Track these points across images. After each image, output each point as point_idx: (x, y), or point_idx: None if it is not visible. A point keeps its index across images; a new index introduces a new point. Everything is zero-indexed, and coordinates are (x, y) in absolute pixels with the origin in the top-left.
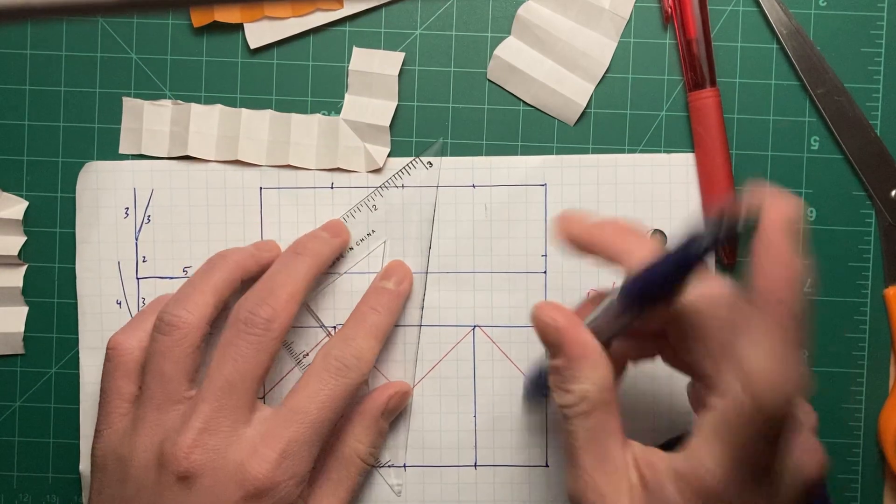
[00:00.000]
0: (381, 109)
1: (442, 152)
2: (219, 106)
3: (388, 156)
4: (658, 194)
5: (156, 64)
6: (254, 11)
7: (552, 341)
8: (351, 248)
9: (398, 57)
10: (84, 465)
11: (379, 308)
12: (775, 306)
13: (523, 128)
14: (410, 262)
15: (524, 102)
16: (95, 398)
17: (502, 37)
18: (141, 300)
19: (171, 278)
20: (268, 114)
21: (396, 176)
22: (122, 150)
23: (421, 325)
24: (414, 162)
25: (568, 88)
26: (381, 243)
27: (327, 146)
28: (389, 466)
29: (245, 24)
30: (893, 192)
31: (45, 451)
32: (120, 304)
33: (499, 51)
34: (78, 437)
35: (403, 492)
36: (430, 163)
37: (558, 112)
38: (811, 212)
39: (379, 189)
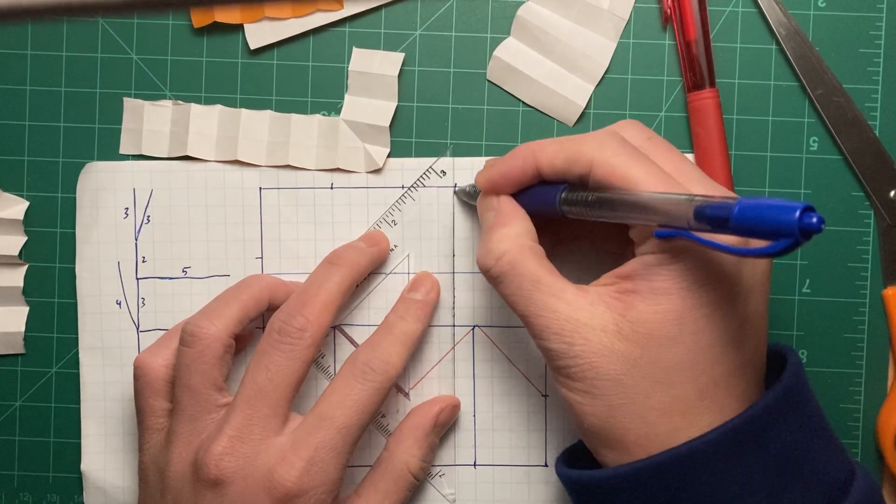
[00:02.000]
0: (381, 110)
1: (452, 156)
2: (219, 106)
3: (389, 156)
4: None
5: (156, 64)
6: (254, 12)
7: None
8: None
9: (398, 57)
10: (84, 465)
11: (407, 317)
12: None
13: (523, 128)
14: (436, 270)
15: (524, 103)
16: (95, 398)
17: (502, 37)
18: (140, 300)
19: (171, 279)
20: (268, 114)
21: (412, 188)
22: (122, 151)
23: (454, 326)
24: (427, 172)
25: (567, 89)
26: (404, 257)
27: (327, 146)
28: (441, 476)
29: (245, 25)
30: (892, 193)
31: (45, 450)
32: (120, 304)
33: (498, 51)
34: (78, 437)
35: None
36: (443, 171)
37: (558, 112)
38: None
39: (396, 204)
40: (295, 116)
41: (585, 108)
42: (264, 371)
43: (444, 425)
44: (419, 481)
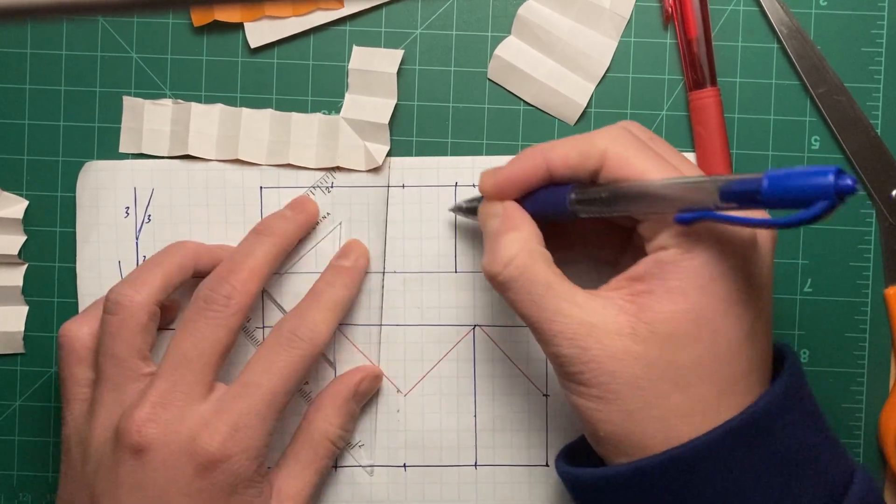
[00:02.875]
0: (381, 107)
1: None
2: (219, 105)
3: (388, 155)
4: None
5: (156, 63)
6: (254, 11)
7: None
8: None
9: (397, 54)
10: None
11: (336, 284)
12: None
13: (523, 128)
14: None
15: (524, 102)
16: None
17: (502, 36)
18: None
19: None
20: (268, 113)
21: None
22: (122, 150)
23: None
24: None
25: (568, 88)
26: (336, 225)
27: (327, 145)
28: (360, 447)
29: (245, 24)
30: (894, 192)
31: (45, 450)
32: None
33: (499, 50)
34: None
35: (404, 491)
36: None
37: (559, 111)
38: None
39: (331, 171)
40: (295, 115)
41: (586, 107)
42: (189, 338)
43: (365, 395)
44: (339, 449)
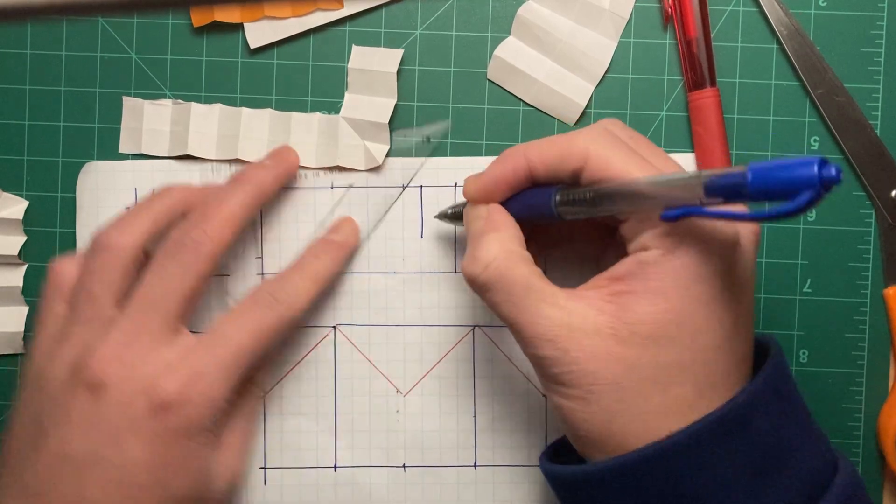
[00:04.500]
0: (381, 107)
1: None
2: (219, 105)
3: (388, 155)
4: None
5: (156, 64)
6: (254, 11)
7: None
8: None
9: (397, 53)
10: None
11: (322, 256)
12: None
13: (523, 127)
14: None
15: (524, 102)
16: None
17: (502, 37)
18: None
19: None
20: (268, 113)
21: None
22: (122, 150)
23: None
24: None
25: (568, 88)
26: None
27: (327, 144)
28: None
29: (245, 24)
30: (893, 193)
31: None
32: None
33: (499, 51)
34: None
35: (403, 492)
36: (428, 138)
37: (558, 112)
38: (811, 212)
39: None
40: (295, 115)
41: (586, 108)
42: (157, 281)
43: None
44: (264, 394)
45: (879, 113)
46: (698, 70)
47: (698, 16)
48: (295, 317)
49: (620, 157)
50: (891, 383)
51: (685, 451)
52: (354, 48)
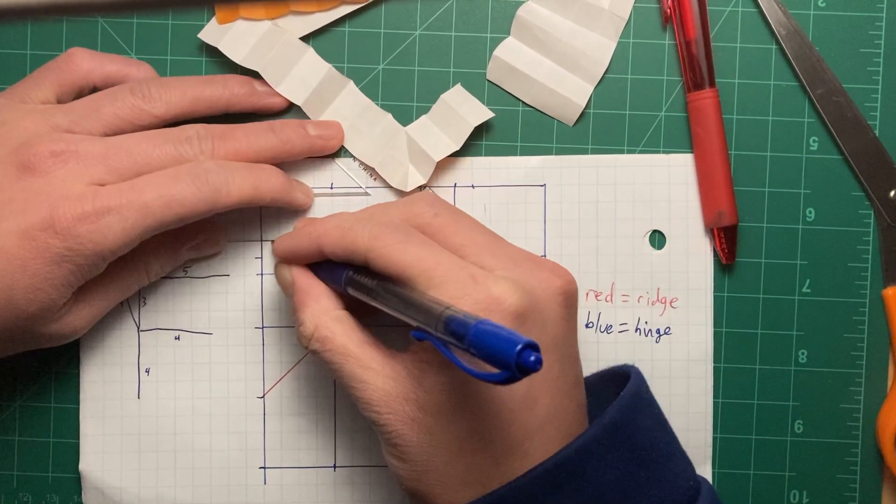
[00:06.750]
0: (442, 145)
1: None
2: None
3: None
4: (657, 195)
5: (156, 64)
6: (279, 7)
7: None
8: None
9: (487, 114)
10: (83, 465)
11: (273, 171)
12: None
13: (523, 128)
14: None
15: (524, 103)
16: (95, 398)
17: (502, 37)
18: (142, 299)
19: (172, 278)
20: (350, 84)
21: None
22: None
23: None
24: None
25: (567, 89)
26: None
27: (377, 145)
28: None
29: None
30: (892, 193)
31: (45, 450)
32: (121, 303)
33: (498, 51)
34: (78, 437)
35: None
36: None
37: (558, 112)
38: (810, 212)
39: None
40: (371, 104)
41: (585, 108)
42: (147, 146)
43: (198, 249)
44: (148, 283)
45: (878, 113)
46: (698, 70)
47: (697, 16)
48: (218, 207)
49: (399, 252)
50: (890, 383)
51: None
52: (458, 87)
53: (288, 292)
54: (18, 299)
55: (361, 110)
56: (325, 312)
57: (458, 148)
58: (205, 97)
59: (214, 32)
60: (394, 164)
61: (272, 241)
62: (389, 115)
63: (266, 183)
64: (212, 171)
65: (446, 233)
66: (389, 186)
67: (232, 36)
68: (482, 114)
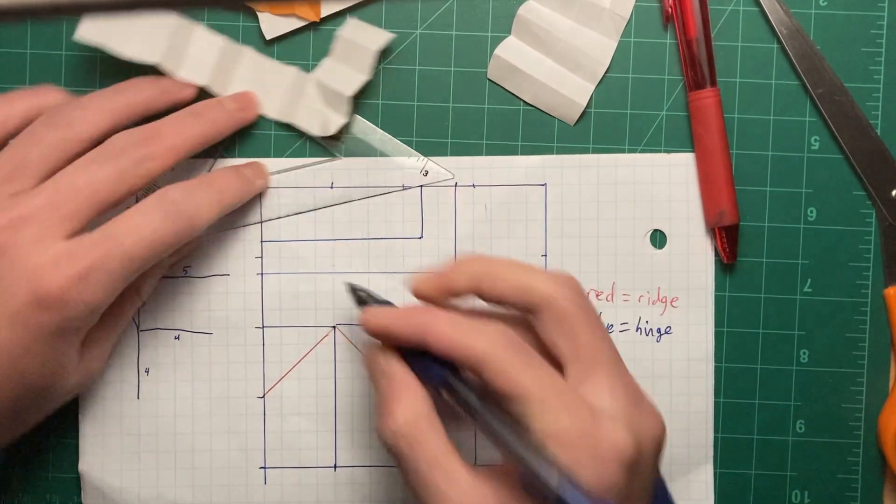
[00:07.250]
0: (351, 79)
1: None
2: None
3: (388, 155)
4: (658, 194)
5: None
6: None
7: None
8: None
9: (386, 35)
10: (83, 465)
11: (231, 177)
12: None
13: (523, 128)
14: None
15: (524, 102)
16: (94, 398)
17: (502, 36)
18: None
19: (172, 278)
20: (248, 51)
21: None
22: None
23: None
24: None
25: (568, 88)
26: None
27: (291, 101)
28: None
29: (259, 15)
30: (894, 192)
31: (45, 451)
32: None
33: (499, 50)
34: (77, 437)
35: (403, 491)
36: (426, 171)
37: (558, 112)
38: (811, 212)
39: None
40: (270, 62)
41: (586, 107)
42: (85, 175)
43: (179, 256)
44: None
45: (880, 112)
46: (698, 70)
47: (698, 15)
48: (193, 234)
49: (517, 369)
50: (891, 383)
51: None
52: (350, 19)
53: (375, 377)
54: (34, 382)
55: (265, 72)
56: (421, 415)
57: (369, 78)
58: (122, 108)
59: (91, 31)
60: (310, 113)
61: (359, 307)
62: (294, 68)
63: (227, 190)
64: (179, 201)
65: (575, 325)
66: (392, 189)
67: (117, 32)
68: (382, 37)
